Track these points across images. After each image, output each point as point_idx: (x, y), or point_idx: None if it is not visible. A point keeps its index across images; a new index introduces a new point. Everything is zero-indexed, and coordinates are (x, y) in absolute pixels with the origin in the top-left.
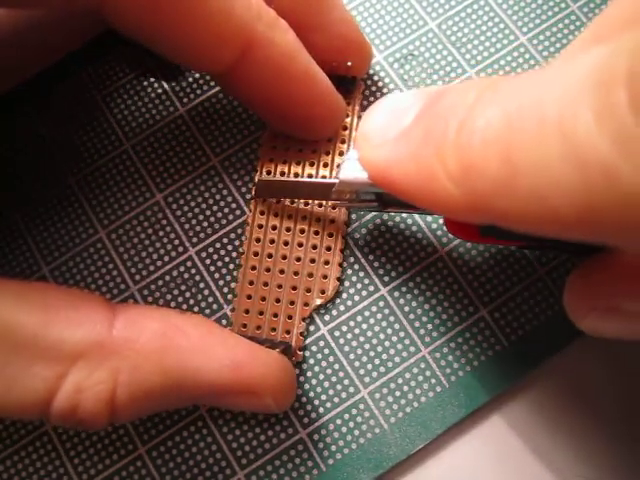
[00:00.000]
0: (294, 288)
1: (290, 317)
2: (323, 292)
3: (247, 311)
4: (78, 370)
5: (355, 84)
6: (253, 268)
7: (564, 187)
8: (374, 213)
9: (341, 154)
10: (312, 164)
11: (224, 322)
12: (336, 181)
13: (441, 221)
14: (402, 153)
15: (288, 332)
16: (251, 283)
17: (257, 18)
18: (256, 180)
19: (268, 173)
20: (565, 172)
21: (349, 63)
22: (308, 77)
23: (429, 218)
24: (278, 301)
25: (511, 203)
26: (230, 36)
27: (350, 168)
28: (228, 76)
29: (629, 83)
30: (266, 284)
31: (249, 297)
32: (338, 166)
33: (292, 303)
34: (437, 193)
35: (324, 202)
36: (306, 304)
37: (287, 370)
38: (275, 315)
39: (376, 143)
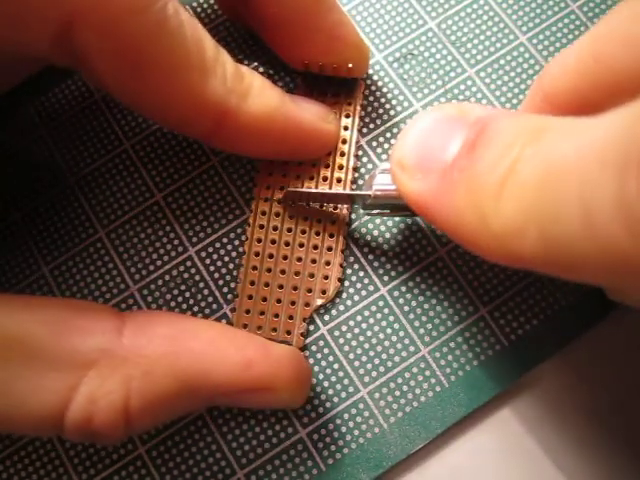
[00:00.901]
0: (295, 288)
1: (291, 317)
2: (324, 292)
3: (248, 311)
4: (90, 380)
5: (356, 84)
6: (254, 268)
7: (588, 261)
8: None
9: (342, 154)
10: (314, 165)
11: (224, 322)
12: (369, 193)
13: None
14: (444, 195)
15: (289, 332)
16: (252, 283)
17: (230, 91)
18: (285, 190)
19: (270, 174)
20: (587, 250)
21: (350, 65)
22: (288, 129)
23: None
24: (279, 301)
25: (547, 264)
26: (203, 110)
27: (384, 181)
28: (207, 141)
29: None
30: (267, 284)
31: (250, 297)
32: (367, 172)
33: (293, 303)
34: (475, 243)
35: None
36: (307, 304)
37: (300, 363)
38: (276, 315)
39: (414, 175)
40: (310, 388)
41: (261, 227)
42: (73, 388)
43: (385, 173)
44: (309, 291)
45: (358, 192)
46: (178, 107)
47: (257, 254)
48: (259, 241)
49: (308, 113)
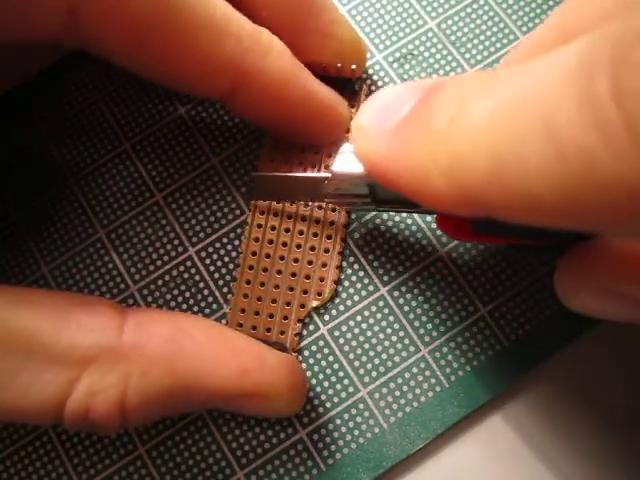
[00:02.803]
0: (291, 289)
1: (286, 318)
2: (320, 294)
3: (243, 310)
4: (89, 374)
5: (360, 85)
6: (251, 268)
7: (547, 178)
8: (374, 213)
9: None
10: (314, 166)
11: (223, 322)
12: (329, 175)
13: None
14: (397, 147)
15: (283, 333)
16: (248, 282)
17: (248, 50)
18: (252, 175)
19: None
20: (548, 163)
21: (354, 66)
22: (306, 98)
23: (429, 218)
24: (274, 301)
25: (499, 196)
26: (220, 71)
27: (343, 161)
28: (225, 101)
29: (610, 71)
30: (263, 284)
31: (245, 296)
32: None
33: (288, 304)
34: (429, 188)
35: (323, 204)
36: (302, 305)
37: (296, 372)
38: (271, 315)
39: (371, 136)
40: (305, 397)
41: (259, 226)
42: (73, 381)
43: (344, 154)
44: (305, 292)
45: (317, 174)
46: (193, 70)
47: (254, 253)
48: (256, 240)
49: (325, 89)
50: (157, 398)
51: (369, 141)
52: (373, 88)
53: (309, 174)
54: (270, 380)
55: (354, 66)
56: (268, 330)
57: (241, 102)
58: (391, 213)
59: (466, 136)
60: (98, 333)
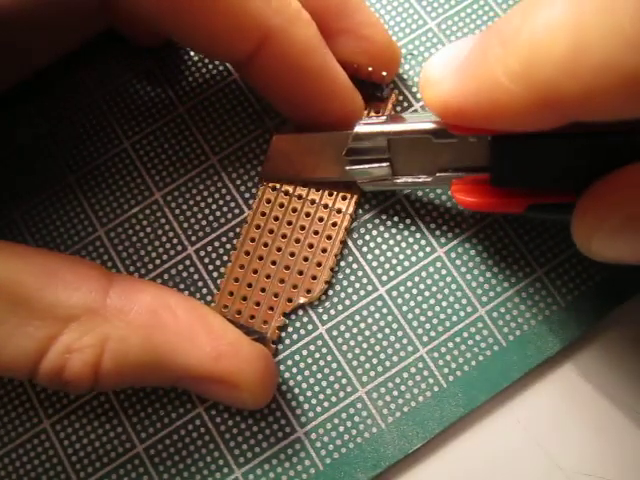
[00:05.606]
0: (282, 281)
1: (271, 309)
2: (309, 292)
3: (231, 293)
4: (69, 332)
5: (389, 93)
6: (247, 253)
7: (636, 47)
8: (373, 212)
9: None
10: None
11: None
12: (353, 131)
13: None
14: (462, 78)
15: (266, 323)
16: (241, 267)
17: (276, 12)
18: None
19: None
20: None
21: (384, 73)
22: (325, 72)
23: (427, 218)
24: (263, 290)
25: (576, 82)
26: (246, 28)
27: (367, 122)
28: (245, 66)
29: None
30: (255, 271)
31: (236, 280)
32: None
33: (276, 296)
34: (500, 100)
35: (333, 198)
36: (289, 300)
37: (268, 367)
38: (257, 304)
39: (438, 79)
40: (273, 393)
41: (262, 214)
42: (52, 338)
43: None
44: (294, 287)
45: (340, 133)
46: (217, 25)
47: (253, 240)
48: (257, 227)
49: (344, 73)
50: (131, 366)
51: (435, 86)
52: (401, 98)
53: (333, 133)
54: (241, 369)
55: (384, 73)
56: (252, 317)
57: (260, 67)
58: (391, 211)
59: (540, 30)
60: (83, 293)
